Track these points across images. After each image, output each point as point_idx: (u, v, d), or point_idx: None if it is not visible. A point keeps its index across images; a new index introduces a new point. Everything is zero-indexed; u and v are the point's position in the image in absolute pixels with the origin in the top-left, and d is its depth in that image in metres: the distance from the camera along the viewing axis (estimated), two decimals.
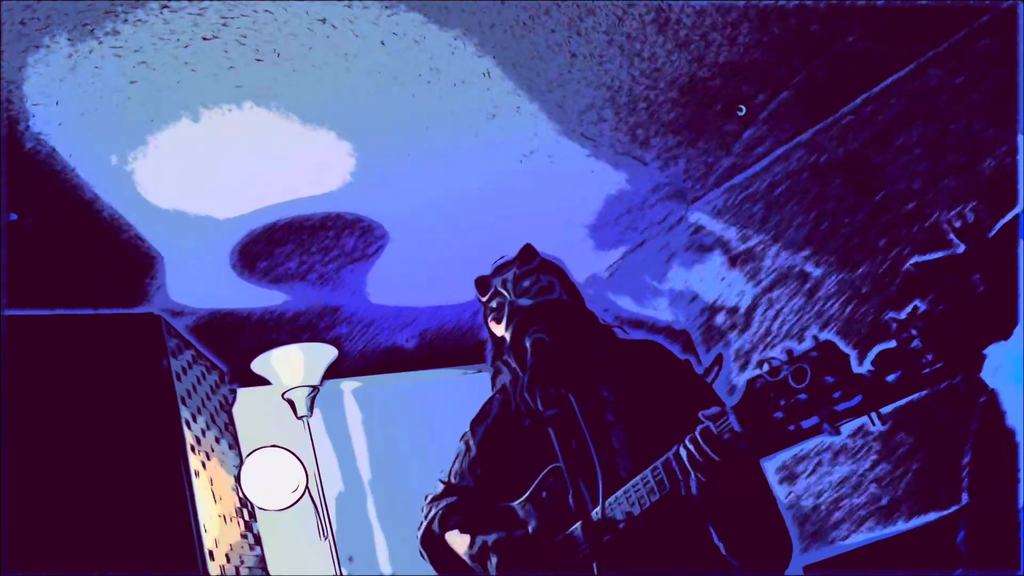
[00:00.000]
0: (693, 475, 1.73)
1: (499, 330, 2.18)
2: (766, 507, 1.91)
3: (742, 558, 1.83)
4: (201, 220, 3.00)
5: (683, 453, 1.73)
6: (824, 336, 1.59)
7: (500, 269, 2.22)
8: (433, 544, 2.21)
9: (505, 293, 2.16)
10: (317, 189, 3.03)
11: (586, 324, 2.18)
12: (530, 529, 2.04)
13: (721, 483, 1.74)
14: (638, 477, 1.82)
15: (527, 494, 2.07)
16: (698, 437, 1.71)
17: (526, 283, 2.15)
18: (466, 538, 2.08)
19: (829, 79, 3.09)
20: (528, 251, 2.22)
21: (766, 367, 1.61)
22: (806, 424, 1.60)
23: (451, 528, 2.16)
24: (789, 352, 1.60)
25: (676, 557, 1.85)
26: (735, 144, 3.36)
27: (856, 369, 1.58)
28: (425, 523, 2.24)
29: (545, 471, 2.03)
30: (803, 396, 1.56)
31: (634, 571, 1.83)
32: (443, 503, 2.23)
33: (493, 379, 2.35)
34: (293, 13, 2.25)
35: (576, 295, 2.25)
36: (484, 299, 2.23)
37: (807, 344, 1.58)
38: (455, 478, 2.28)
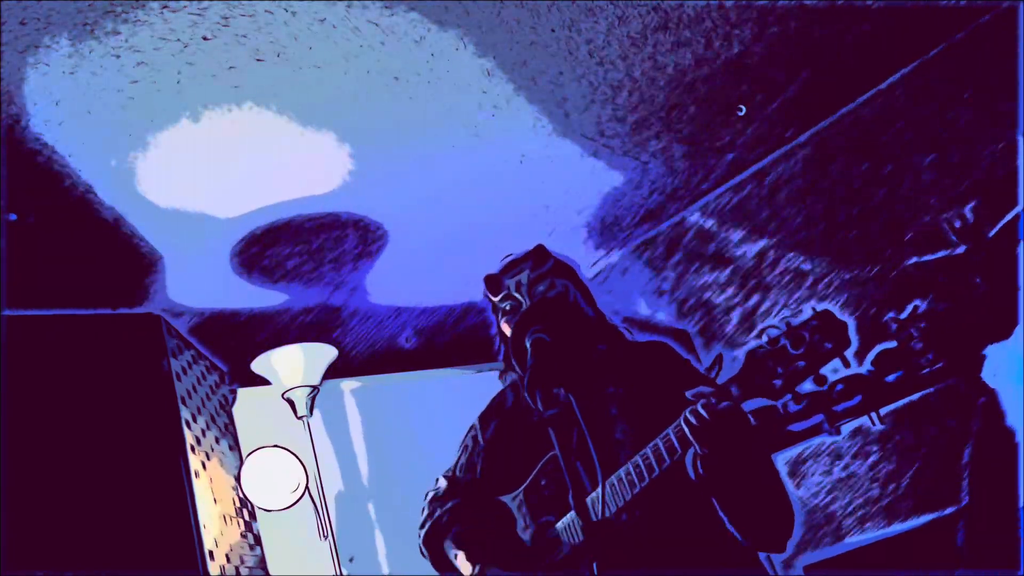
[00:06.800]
0: (694, 447, 1.73)
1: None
2: (769, 478, 1.90)
3: (744, 529, 1.84)
4: (201, 220, 3.00)
5: (683, 424, 1.73)
6: (823, 307, 1.61)
7: (510, 267, 2.19)
8: (434, 549, 2.21)
9: (520, 297, 2.13)
10: (317, 189, 3.03)
11: (592, 324, 2.17)
12: (525, 521, 2.05)
13: (723, 454, 1.74)
14: (637, 455, 1.82)
15: (527, 483, 2.08)
16: (699, 408, 1.70)
17: (541, 288, 2.13)
18: (468, 567, 2.08)
19: (829, 79, 3.10)
20: (541, 252, 2.19)
21: (765, 337, 1.63)
22: (805, 417, 1.61)
23: (449, 537, 2.16)
24: (788, 322, 1.61)
25: (675, 552, 1.85)
26: (735, 144, 3.36)
27: (856, 367, 1.59)
28: (428, 525, 2.24)
29: (545, 459, 2.03)
30: (801, 363, 1.58)
31: (635, 571, 1.83)
32: (444, 507, 2.23)
33: (502, 376, 2.34)
34: (293, 13, 2.26)
35: (588, 296, 2.24)
36: (496, 299, 2.21)
37: (806, 315, 1.60)
38: (460, 471, 2.28)
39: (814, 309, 1.60)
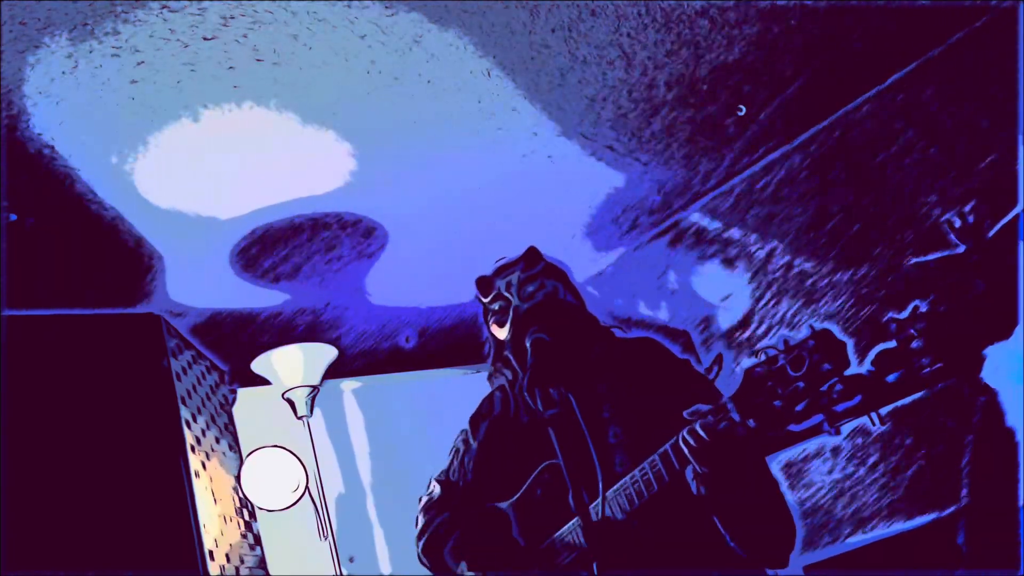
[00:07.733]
0: (693, 466, 1.73)
1: (501, 333, 2.18)
2: (769, 495, 1.90)
3: (746, 546, 1.83)
4: (201, 220, 3.00)
5: (681, 444, 1.73)
6: (821, 326, 1.60)
7: (503, 270, 2.19)
8: (434, 558, 2.21)
9: (509, 297, 2.14)
10: (317, 189, 3.03)
11: (586, 326, 2.18)
12: (521, 528, 2.05)
13: (723, 473, 1.74)
14: (636, 470, 1.82)
15: (521, 491, 2.07)
16: (697, 428, 1.70)
17: (530, 288, 2.13)
18: None
19: (829, 79, 3.10)
20: (532, 254, 2.19)
21: (763, 356, 1.62)
22: (804, 418, 1.60)
23: (448, 546, 2.15)
24: (786, 342, 1.60)
25: (676, 554, 1.85)
26: (735, 144, 3.36)
27: (856, 367, 1.58)
28: (427, 536, 2.23)
29: (540, 467, 2.03)
30: (801, 384, 1.57)
31: (634, 571, 1.83)
32: (441, 516, 2.22)
33: (490, 379, 2.35)
34: (293, 13, 2.26)
35: (578, 298, 2.24)
36: (486, 300, 2.21)
37: (804, 333, 1.59)
38: (453, 475, 2.27)
39: (812, 327, 1.59)
